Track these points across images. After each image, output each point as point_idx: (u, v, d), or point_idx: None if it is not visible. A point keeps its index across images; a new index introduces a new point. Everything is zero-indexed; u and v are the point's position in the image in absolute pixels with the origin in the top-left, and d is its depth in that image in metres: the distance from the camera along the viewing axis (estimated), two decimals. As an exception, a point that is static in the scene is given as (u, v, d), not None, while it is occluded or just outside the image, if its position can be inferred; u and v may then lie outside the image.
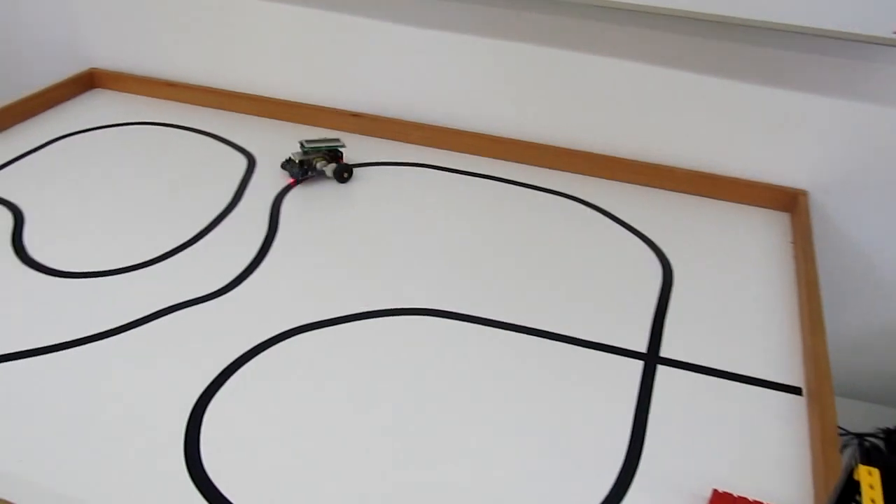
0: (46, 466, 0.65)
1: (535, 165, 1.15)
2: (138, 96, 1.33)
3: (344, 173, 1.08)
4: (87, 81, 1.35)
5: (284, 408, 0.71)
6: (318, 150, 1.09)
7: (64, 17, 1.37)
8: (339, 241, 0.95)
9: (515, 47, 1.10)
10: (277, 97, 1.28)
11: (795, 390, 0.76)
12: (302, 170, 1.07)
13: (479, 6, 1.09)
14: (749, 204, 1.08)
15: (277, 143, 1.19)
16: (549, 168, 1.15)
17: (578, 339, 0.81)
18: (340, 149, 1.10)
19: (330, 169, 1.08)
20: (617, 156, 1.13)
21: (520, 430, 0.70)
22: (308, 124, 1.25)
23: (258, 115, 1.27)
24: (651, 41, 1.04)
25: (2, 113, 1.20)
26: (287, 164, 1.09)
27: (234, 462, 0.66)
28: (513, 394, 0.74)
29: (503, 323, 0.83)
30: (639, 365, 0.78)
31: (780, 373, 0.78)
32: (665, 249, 0.97)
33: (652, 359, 0.79)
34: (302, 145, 1.09)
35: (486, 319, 0.83)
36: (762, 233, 1.01)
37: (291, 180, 1.08)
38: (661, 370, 0.78)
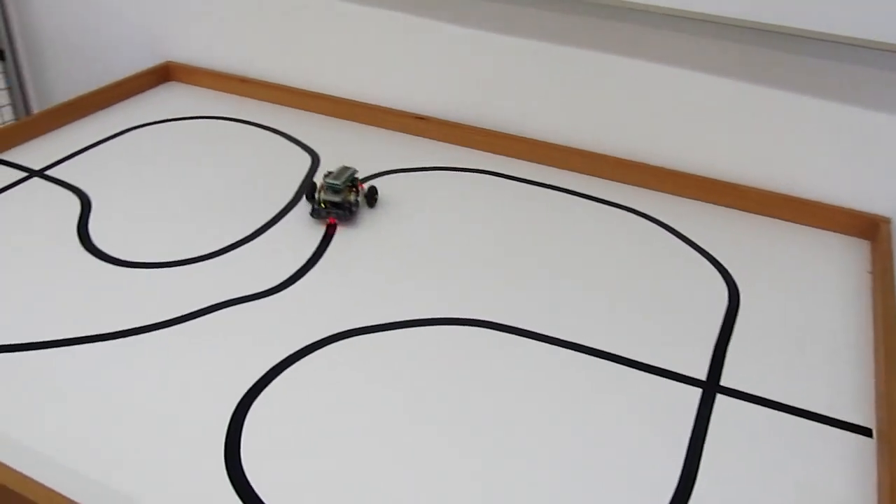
0: (89, 452, 0.65)
1: (599, 177, 1.12)
2: (210, 90, 1.35)
3: (375, 195, 1.02)
4: (163, 74, 1.38)
5: (326, 413, 0.70)
6: (349, 183, 0.98)
7: (145, 10, 1.39)
8: (394, 247, 0.94)
9: (585, 56, 1.08)
10: (343, 96, 1.28)
11: (865, 431, 0.72)
12: (345, 209, 0.97)
13: (550, 13, 1.07)
14: (825, 229, 1.03)
15: (340, 142, 1.18)
16: (614, 180, 1.11)
17: (634, 361, 0.78)
18: (356, 176, 1.00)
19: (363, 198, 1.02)
20: (685, 171, 1.09)
21: (565, 452, 0.67)
22: (372, 125, 1.24)
23: (324, 114, 1.28)
24: (726, 53, 1.00)
25: (80, 102, 1.23)
26: (323, 210, 0.98)
27: (273, 465, 0.65)
28: (560, 413, 0.71)
29: (555, 339, 0.81)
30: (697, 393, 0.75)
31: (849, 412, 0.74)
32: (732, 272, 0.93)
33: (711, 387, 0.76)
34: (331, 186, 0.97)
35: (537, 334, 0.81)
36: (838, 261, 0.96)
37: (332, 220, 0.98)
38: (721, 400, 0.74)
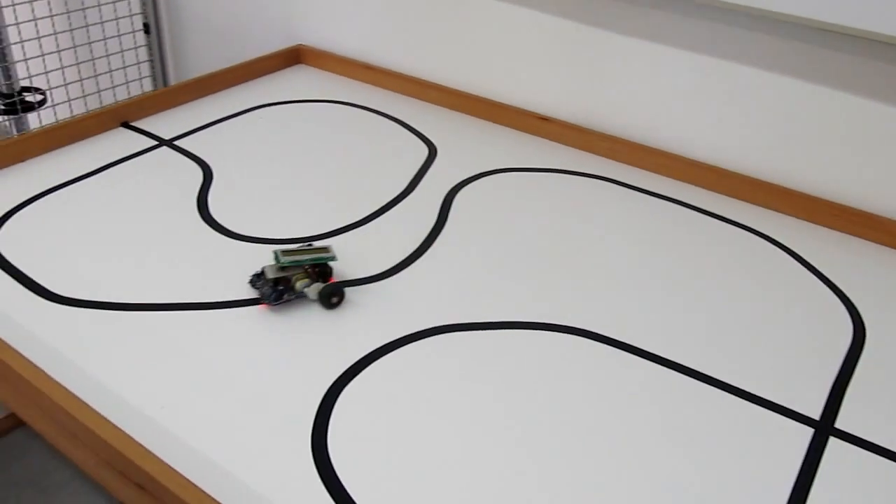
0: (181, 416, 0.66)
1: (728, 195, 1.07)
2: (336, 75, 1.37)
3: (332, 298, 0.80)
4: (294, 57, 1.41)
5: (417, 407, 0.69)
6: (298, 263, 0.80)
7: (282, -8, 1.43)
8: (505, 245, 0.92)
9: (726, 67, 1.03)
10: (466, 90, 1.27)
11: None
12: (276, 291, 0.79)
13: (701, 21, 1.02)
14: (971, 272, 0.94)
15: (459, 135, 1.18)
16: (742, 200, 1.06)
17: (742, 391, 0.74)
18: (330, 262, 0.82)
19: (314, 290, 0.79)
20: (820, 196, 1.03)
21: (659, 477, 0.64)
22: (493, 121, 1.23)
23: (445, 107, 1.27)
24: (879, 75, 0.93)
25: (212, 78, 1.27)
26: (257, 281, 0.81)
27: (359, 453, 0.64)
28: (658, 436, 0.68)
29: (662, 358, 0.77)
30: (808, 432, 0.70)
31: (980, 473, 0.67)
32: (860, 307, 0.86)
33: (825, 428, 0.71)
34: (277, 256, 0.80)
35: (643, 351, 0.78)
36: (982, 307, 0.88)
37: (262, 304, 0.80)
38: (833, 443, 0.69)
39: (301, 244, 0.84)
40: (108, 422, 0.64)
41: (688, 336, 0.80)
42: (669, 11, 1.03)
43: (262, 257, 0.87)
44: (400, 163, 1.09)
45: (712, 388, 0.74)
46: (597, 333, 0.80)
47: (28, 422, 0.74)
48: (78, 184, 1.00)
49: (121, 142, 1.11)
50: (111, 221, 0.92)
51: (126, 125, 1.16)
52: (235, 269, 0.86)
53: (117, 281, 0.83)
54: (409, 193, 1.02)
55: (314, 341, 0.76)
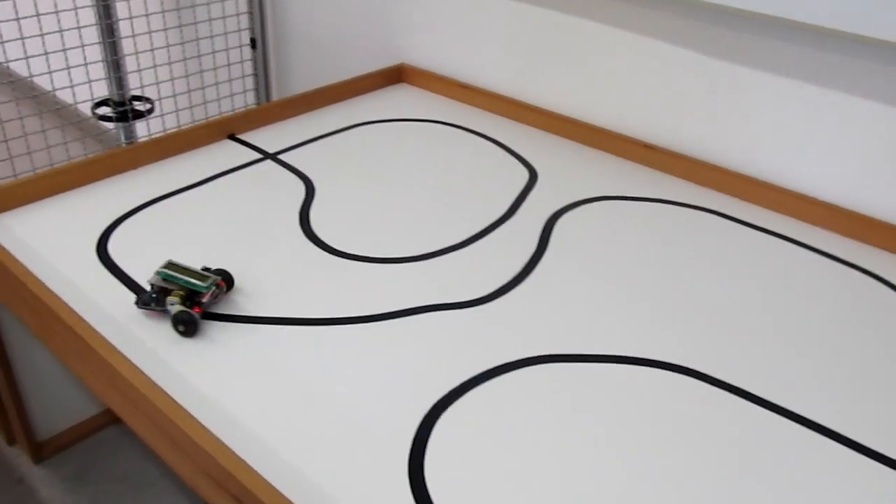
0: (283, 430, 0.66)
1: (841, 234, 1.01)
2: (437, 95, 1.37)
3: (179, 325, 0.76)
4: (396, 75, 1.42)
5: (515, 439, 0.67)
6: (174, 280, 0.78)
7: (386, 14, 1.44)
8: (607, 276, 0.90)
9: (841, 99, 0.98)
10: (567, 114, 1.25)
11: None
12: (149, 297, 0.79)
13: (813, 51, 0.98)
14: None
15: (560, 160, 1.16)
16: (856, 239, 1.00)
17: (861, 445, 0.69)
18: (202, 290, 0.78)
19: (172, 311, 0.77)
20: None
21: (773, 534, 0.61)
22: (594, 147, 1.20)
23: (545, 130, 1.26)
24: None
25: (316, 94, 1.29)
26: (145, 294, 0.80)
27: (454, 480, 0.63)
28: (762, 485, 0.64)
29: (770, 403, 0.73)
30: (935, 495, 0.65)
31: None
32: None
33: (954, 491, 0.66)
34: (164, 268, 0.79)
35: (754, 396, 0.74)
36: None
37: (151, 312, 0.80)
38: (965, 509, 0.64)
39: (202, 267, 0.83)
40: (210, 433, 0.65)
41: (797, 380, 0.76)
42: (782, 41, 0.99)
43: (366, 276, 0.87)
44: (500, 186, 1.08)
45: (827, 438, 0.70)
46: (703, 373, 0.76)
47: (130, 425, 0.75)
48: (186, 193, 1.02)
49: (227, 154, 1.13)
50: (217, 233, 0.94)
51: (232, 137, 1.18)
52: (337, 286, 0.86)
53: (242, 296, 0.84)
54: (509, 217, 1.01)
55: (411, 365, 0.75)
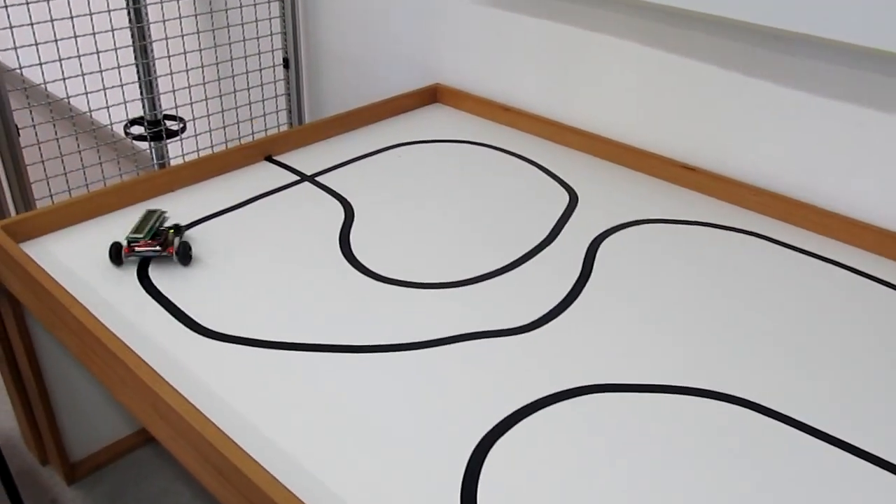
0: (329, 464, 0.65)
1: (888, 258, 0.99)
2: (473, 116, 1.36)
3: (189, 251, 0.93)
4: (431, 96, 1.41)
5: (568, 471, 0.66)
6: (150, 231, 0.93)
7: (420, 35, 1.44)
8: (653, 301, 0.88)
9: (889, 120, 0.96)
10: (607, 136, 1.24)
11: None
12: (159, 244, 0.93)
13: (857, 70, 0.96)
14: None
15: (600, 182, 1.14)
16: (909, 265, 0.98)
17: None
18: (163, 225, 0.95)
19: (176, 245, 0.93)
20: None
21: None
22: (635, 169, 1.19)
23: (585, 152, 1.24)
24: None
25: (351, 115, 1.28)
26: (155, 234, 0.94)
27: (509, 517, 0.61)
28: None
29: (825, 434, 0.71)
30: None
31: None
32: None
33: None
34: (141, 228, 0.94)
35: (812, 428, 0.72)
36: None
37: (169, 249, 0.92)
38: None
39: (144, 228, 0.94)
40: (258, 464, 0.63)
41: (859, 414, 0.74)
42: (832, 64, 0.97)
43: (409, 302, 0.86)
44: (540, 209, 1.07)
45: (879, 468, 0.67)
46: (755, 403, 0.74)
47: (174, 453, 0.74)
48: (226, 215, 1.02)
49: (265, 175, 1.13)
50: (257, 256, 0.93)
51: (269, 159, 1.18)
52: (381, 312, 0.85)
53: (262, 317, 0.83)
54: (550, 242, 0.99)
55: (460, 393, 0.74)
